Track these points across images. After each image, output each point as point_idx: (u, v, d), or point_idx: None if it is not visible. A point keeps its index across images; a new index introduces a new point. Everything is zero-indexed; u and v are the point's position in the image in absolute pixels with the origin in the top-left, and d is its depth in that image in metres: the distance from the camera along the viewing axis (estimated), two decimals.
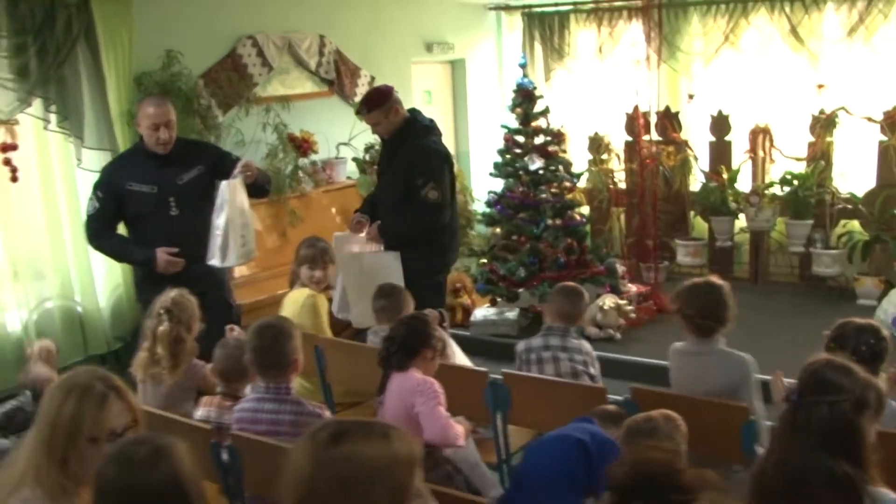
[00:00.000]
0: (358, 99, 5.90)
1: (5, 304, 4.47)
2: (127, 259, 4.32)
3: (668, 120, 7.03)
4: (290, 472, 1.45)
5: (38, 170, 4.61)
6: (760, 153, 6.84)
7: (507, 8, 7.99)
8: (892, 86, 6.43)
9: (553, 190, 5.86)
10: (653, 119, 6.98)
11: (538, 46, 7.81)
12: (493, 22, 8.13)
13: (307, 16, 6.22)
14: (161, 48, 5.16)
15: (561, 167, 5.86)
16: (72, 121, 4.60)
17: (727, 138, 7.00)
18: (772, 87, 6.93)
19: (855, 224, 6.59)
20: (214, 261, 3.98)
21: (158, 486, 1.66)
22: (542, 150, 5.82)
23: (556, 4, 7.66)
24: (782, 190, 6.63)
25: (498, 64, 8.21)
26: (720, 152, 7.01)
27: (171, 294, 3.48)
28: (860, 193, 6.53)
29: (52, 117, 4.55)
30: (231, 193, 3.93)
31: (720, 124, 6.99)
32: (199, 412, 3.24)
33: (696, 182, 7.18)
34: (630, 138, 7.28)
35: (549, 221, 5.73)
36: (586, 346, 3.58)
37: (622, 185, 7.25)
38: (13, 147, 4.39)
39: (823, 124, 6.34)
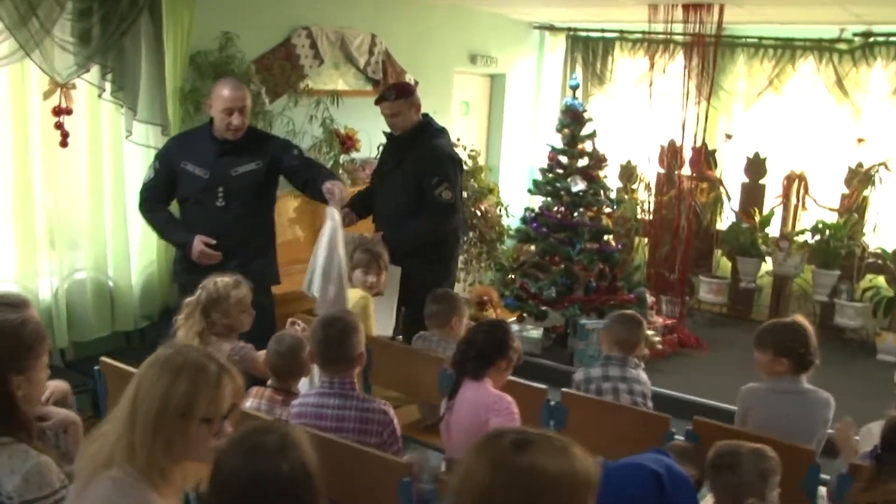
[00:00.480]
0: None
1: (39, 269, 4.37)
2: (166, 237, 4.23)
3: (705, 157, 7.03)
4: (464, 476, 1.39)
5: (87, 138, 4.51)
6: (793, 199, 6.86)
7: (552, 28, 7.98)
8: None
9: (590, 213, 5.83)
10: (687, 154, 7.00)
11: (579, 69, 7.81)
12: (536, 40, 8.12)
13: (361, 14, 6.18)
14: (217, 29, 5.11)
15: (602, 192, 5.84)
16: (126, 91, 4.51)
17: (761, 181, 7.02)
18: (810, 134, 6.96)
19: (881, 280, 6.60)
20: (313, 290, 3.71)
21: (288, 476, 1.61)
22: (585, 173, 5.80)
23: (603, 31, 7.66)
24: (812, 238, 6.65)
25: (536, 82, 8.19)
26: (753, 194, 7.03)
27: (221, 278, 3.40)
28: (890, 249, 6.55)
29: (108, 86, 4.47)
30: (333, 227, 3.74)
31: (756, 166, 7.01)
32: (248, 402, 3.17)
33: (722, 221, 7.20)
34: (661, 170, 7.29)
35: (586, 244, 5.69)
36: (644, 376, 3.53)
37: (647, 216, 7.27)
38: (68, 111, 4.30)
39: (862, 178, 6.35)
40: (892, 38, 6.54)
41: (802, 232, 6.69)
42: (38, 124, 4.28)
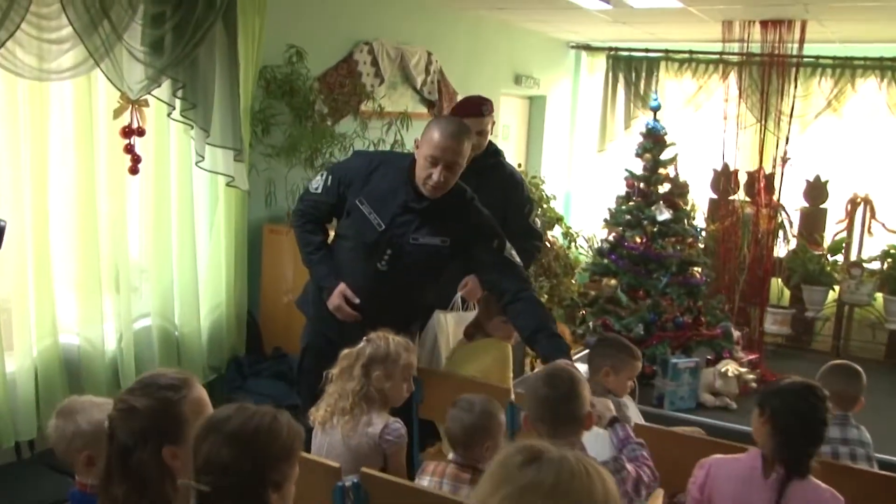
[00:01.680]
0: None
1: (104, 314, 3.75)
2: (308, 263, 3.28)
3: (764, 182, 6.70)
4: None
5: (154, 163, 3.92)
6: (857, 224, 6.58)
7: (589, 48, 7.61)
8: None
9: (672, 243, 5.42)
10: (742, 178, 6.69)
11: (621, 90, 7.45)
12: (572, 60, 7.75)
13: (416, 29, 5.72)
14: (283, 42, 4.59)
15: (685, 220, 5.43)
16: (199, 110, 3.93)
17: (822, 206, 6.72)
18: (872, 156, 6.70)
19: None
20: None
21: None
22: (669, 201, 5.39)
23: (647, 50, 7.31)
24: (883, 264, 6.36)
25: (572, 104, 7.80)
26: (813, 219, 6.72)
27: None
28: None
29: (177, 103, 3.90)
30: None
31: (816, 190, 6.71)
32: (426, 481, 2.63)
33: (779, 248, 6.87)
34: (715, 196, 6.95)
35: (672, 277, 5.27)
36: (866, 435, 3.08)
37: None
38: (140, 132, 3.71)
39: None
40: None
41: (873, 259, 6.38)
42: (105, 147, 3.70)
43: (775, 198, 6.81)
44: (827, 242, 6.69)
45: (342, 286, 3.12)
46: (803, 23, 5.53)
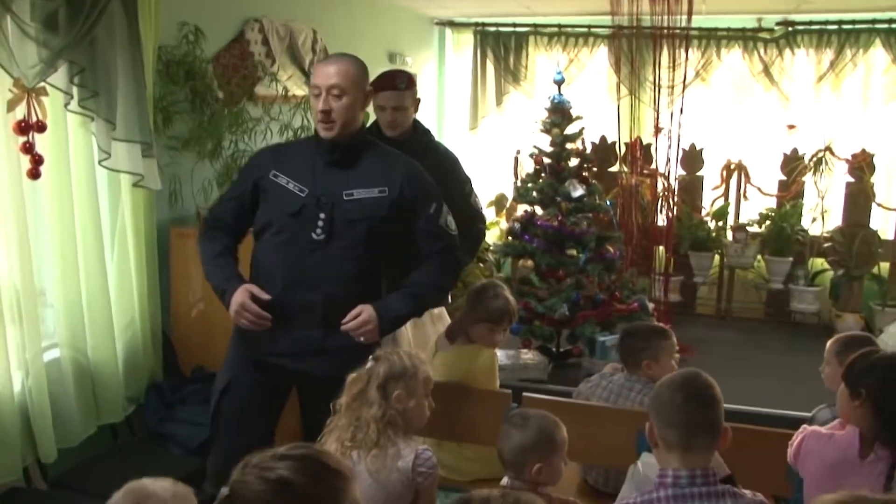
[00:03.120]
0: None
1: (8, 349, 3.05)
2: (207, 275, 2.85)
3: (641, 152, 6.77)
4: None
5: (52, 165, 3.24)
6: (733, 190, 6.80)
7: (454, 24, 7.37)
8: (858, 130, 6.67)
9: (588, 220, 5.30)
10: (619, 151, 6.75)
11: (490, 66, 7.27)
12: (437, 37, 7.47)
13: (300, 4, 5.22)
14: (174, 19, 4.00)
15: (596, 195, 5.32)
16: (100, 99, 3.30)
17: (699, 173, 6.89)
18: (742, 124, 6.94)
19: (820, 262, 6.70)
20: None
21: None
22: (580, 176, 5.26)
23: (515, 25, 7.17)
24: (761, 227, 6.61)
25: (438, 82, 7.53)
26: (692, 187, 6.87)
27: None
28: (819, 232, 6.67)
29: (75, 92, 3.25)
30: None
31: (693, 159, 6.85)
32: None
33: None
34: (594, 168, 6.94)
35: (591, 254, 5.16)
36: None
37: None
38: (40, 127, 3.04)
39: (813, 165, 6.38)
40: (812, 27, 6.66)
41: (754, 222, 6.62)
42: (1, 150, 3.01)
43: (654, 167, 6.94)
44: (705, 209, 6.87)
45: (244, 286, 2.69)
46: None
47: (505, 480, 2.37)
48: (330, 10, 5.62)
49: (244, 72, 4.51)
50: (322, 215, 2.72)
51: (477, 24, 7.26)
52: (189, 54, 4.03)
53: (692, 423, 2.00)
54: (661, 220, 6.84)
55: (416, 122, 3.66)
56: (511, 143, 7.22)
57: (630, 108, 6.83)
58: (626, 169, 6.62)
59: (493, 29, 7.25)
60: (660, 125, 6.90)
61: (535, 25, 7.14)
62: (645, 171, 6.68)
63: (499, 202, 6.96)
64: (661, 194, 6.58)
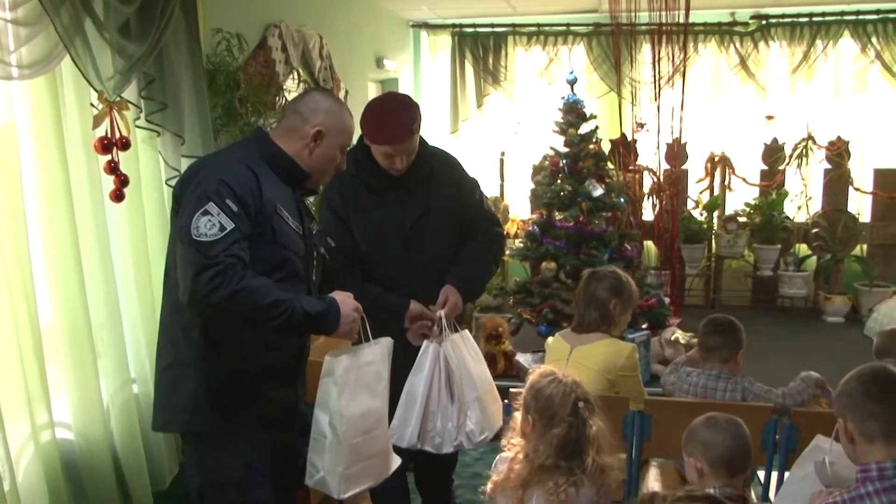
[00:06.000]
0: None
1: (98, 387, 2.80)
2: (282, 307, 2.15)
3: (626, 148, 6.83)
4: None
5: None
6: (718, 182, 6.93)
7: (429, 26, 7.26)
8: (832, 119, 6.91)
9: (608, 219, 5.29)
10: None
11: (469, 68, 7.20)
12: (412, 40, 7.35)
13: (310, 9, 5.04)
14: (207, 26, 3.77)
15: (612, 194, 5.31)
16: (169, 113, 3.08)
17: (684, 166, 6.99)
18: (721, 116, 7.08)
19: (804, 247, 6.90)
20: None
21: None
22: (597, 175, 5.24)
23: (493, 25, 7.12)
24: (749, 217, 6.76)
25: (414, 85, 7.41)
26: (677, 181, 6.96)
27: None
28: (803, 219, 6.88)
29: (143, 105, 3.01)
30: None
31: (676, 153, 6.94)
32: None
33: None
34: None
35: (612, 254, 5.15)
36: None
37: None
38: (124, 144, 2.80)
39: (799, 154, 6.56)
40: (784, 20, 6.86)
41: (742, 213, 6.76)
42: (82, 170, 2.76)
43: (639, 163, 7.02)
44: (690, 203, 6.99)
45: (341, 294, 2.35)
46: None
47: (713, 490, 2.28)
48: (331, 15, 5.45)
49: (268, 80, 4.30)
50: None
51: (454, 26, 7.18)
52: (225, 63, 3.81)
53: (892, 411, 2.00)
54: (648, 216, 6.95)
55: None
56: (494, 145, 7.17)
57: (611, 105, 6.90)
58: (611, 166, 6.65)
59: (471, 30, 7.18)
60: (641, 121, 7.02)
61: (513, 25, 7.11)
62: (631, 168, 6.75)
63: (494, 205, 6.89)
64: (652, 189, 6.68)
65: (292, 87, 4.73)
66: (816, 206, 6.85)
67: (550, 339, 3.31)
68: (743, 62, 6.88)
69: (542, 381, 2.27)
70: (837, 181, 6.68)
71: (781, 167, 6.70)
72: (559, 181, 5.27)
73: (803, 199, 6.76)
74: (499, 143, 7.16)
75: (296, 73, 4.74)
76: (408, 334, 2.89)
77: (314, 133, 2.33)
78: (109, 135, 2.77)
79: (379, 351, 2.45)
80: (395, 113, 2.79)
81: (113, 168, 2.79)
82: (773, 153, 6.79)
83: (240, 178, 2.18)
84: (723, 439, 2.26)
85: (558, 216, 5.24)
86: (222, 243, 2.06)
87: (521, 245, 5.44)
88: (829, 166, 6.73)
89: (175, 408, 2.30)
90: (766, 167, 6.88)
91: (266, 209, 2.23)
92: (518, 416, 2.31)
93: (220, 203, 2.10)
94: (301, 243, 2.38)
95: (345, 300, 2.32)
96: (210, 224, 2.07)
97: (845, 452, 2.23)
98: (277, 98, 4.44)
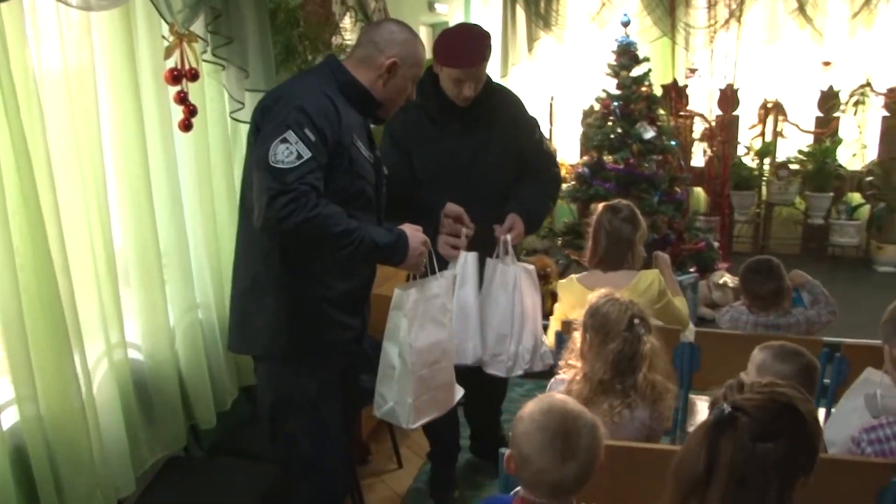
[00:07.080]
0: None
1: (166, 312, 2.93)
2: (354, 235, 2.22)
3: (677, 93, 6.77)
4: None
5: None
6: (770, 128, 6.86)
7: None
8: (893, 65, 6.75)
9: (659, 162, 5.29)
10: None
11: (520, 12, 7.14)
12: None
13: None
14: None
15: (664, 136, 5.30)
16: (234, 47, 3.15)
17: (735, 112, 6.92)
18: (777, 62, 6.96)
19: (857, 196, 6.83)
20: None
21: None
22: (649, 118, 5.23)
23: None
24: (802, 164, 6.69)
25: None
26: (729, 127, 6.90)
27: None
28: (858, 167, 6.79)
29: (209, 39, 3.08)
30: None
31: (729, 98, 6.87)
32: None
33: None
34: None
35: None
36: None
37: None
38: (192, 75, 2.88)
39: (856, 101, 6.45)
40: None
41: (794, 160, 6.69)
42: (151, 100, 2.86)
43: (690, 108, 6.96)
44: (741, 149, 6.92)
45: (410, 227, 2.42)
46: None
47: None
48: None
49: (325, 19, 4.35)
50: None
51: None
52: (286, 1, 3.86)
53: None
54: (698, 162, 6.91)
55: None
56: (544, 90, 7.15)
57: (664, 51, 6.83)
58: (662, 112, 6.61)
59: None
60: (694, 66, 6.95)
61: None
62: (682, 113, 6.71)
63: None
64: (703, 135, 6.64)
65: (349, 27, 4.77)
66: (872, 154, 6.75)
67: (563, 281, 3.28)
68: (801, 7, 6.73)
69: (599, 301, 2.34)
70: (894, 129, 6.56)
71: (836, 114, 6.59)
72: (610, 123, 5.28)
73: (858, 147, 6.65)
74: (548, 87, 7.13)
75: (352, 13, 4.77)
76: (438, 245, 2.86)
77: (389, 65, 2.38)
78: (179, 66, 2.85)
79: (444, 284, 2.54)
80: (470, 38, 2.92)
81: (182, 98, 2.88)
82: (829, 100, 6.69)
83: (320, 108, 2.24)
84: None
85: (608, 158, 5.27)
86: (298, 171, 2.12)
87: (571, 187, 5.47)
88: (886, 114, 6.61)
89: (255, 331, 2.41)
90: (820, 114, 6.78)
91: (344, 140, 2.29)
92: (577, 336, 2.38)
93: (299, 131, 2.16)
94: (373, 172, 2.45)
95: (413, 233, 2.39)
96: (288, 152, 2.13)
97: (892, 379, 2.29)
98: (334, 37, 4.50)
